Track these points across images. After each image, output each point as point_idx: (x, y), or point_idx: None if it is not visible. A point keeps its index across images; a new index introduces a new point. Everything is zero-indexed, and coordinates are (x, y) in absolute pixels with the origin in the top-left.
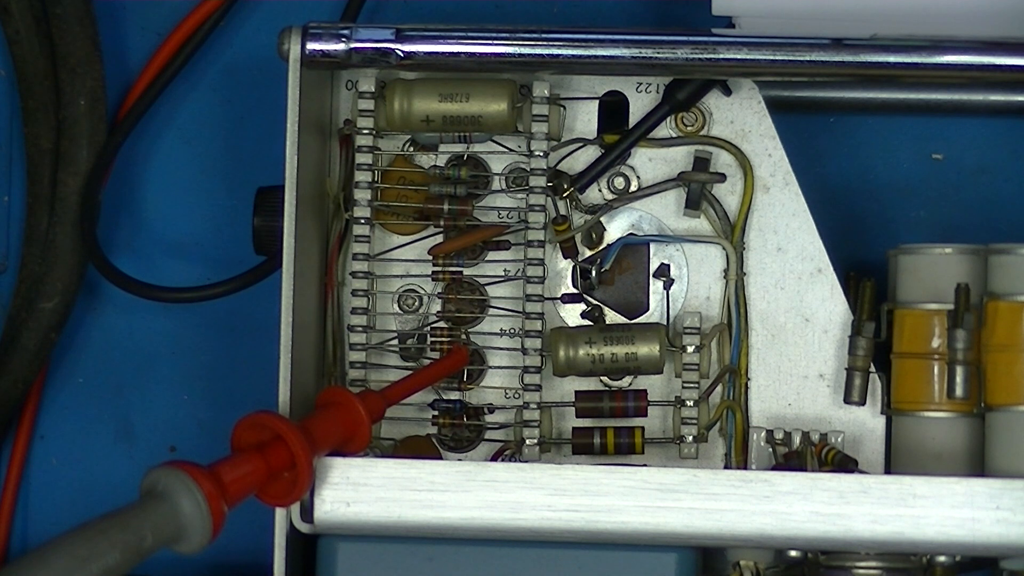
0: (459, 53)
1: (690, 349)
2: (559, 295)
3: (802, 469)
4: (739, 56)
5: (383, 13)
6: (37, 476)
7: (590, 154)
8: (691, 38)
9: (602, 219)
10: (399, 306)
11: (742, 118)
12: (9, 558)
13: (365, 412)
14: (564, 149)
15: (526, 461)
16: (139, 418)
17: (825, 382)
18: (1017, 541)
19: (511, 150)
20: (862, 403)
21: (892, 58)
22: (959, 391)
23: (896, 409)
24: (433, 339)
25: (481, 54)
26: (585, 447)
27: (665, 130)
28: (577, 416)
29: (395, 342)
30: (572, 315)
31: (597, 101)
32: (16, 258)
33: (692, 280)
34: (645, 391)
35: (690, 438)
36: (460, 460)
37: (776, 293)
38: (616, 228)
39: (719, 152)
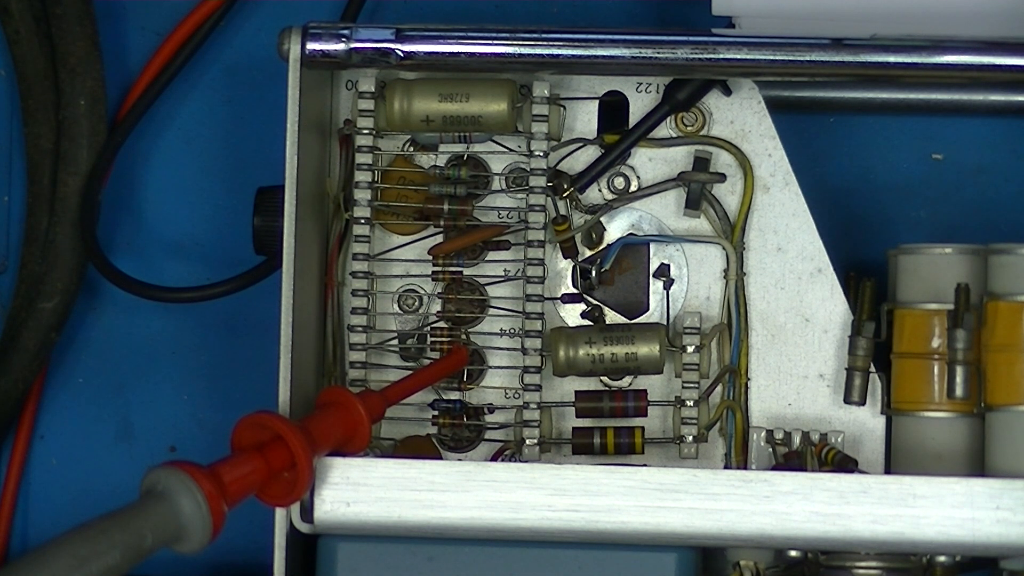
0: (459, 53)
1: (690, 349)
2: (559, 295)
3: (802, 469)
4: (739, 56)
5: (383, 13)
6: (37, 476)
7: (590, 154)
8: (691, 38)
9: (602, 219)
10: (399, 306)
11: (742, 118)
12: (9, 558)
13: (365, 412)
14: (564, 149)
15: (526, 461)
16: (139, 418)
17: (825, 382)
18: (1017, 541)
19: (511, 150)
20: (862, 403)
21: (892, 58)
22: (959, 391)
23: (896, 409)
24: (433, 339)
25: (481, 54)
26: (585, 447)
27: (665, 130)
28: (577, 416)
29: (395, 342)
30: (572, 315)
31: (597, 101)
32: (16, 258)
33: (692, 280)
34: (645, 391)
35: (690, 438)
36: (460, 460)
37: (776, 293)
38: (616, 228)
39: (719, 152)
